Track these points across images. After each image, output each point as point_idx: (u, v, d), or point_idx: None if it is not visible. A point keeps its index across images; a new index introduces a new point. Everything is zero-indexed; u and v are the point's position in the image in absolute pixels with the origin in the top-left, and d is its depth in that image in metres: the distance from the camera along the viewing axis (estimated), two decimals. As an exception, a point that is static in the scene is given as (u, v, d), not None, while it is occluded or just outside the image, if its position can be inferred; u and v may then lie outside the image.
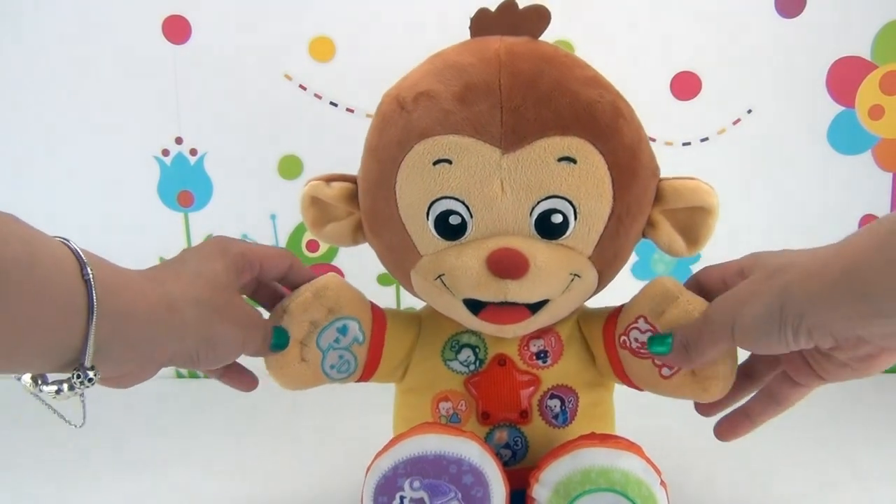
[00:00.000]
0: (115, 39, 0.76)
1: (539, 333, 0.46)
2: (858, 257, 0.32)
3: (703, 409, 0.46)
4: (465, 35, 0.45)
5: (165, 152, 0.79)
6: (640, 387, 0.46)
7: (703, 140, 0.78)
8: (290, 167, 0.79)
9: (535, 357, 0.46)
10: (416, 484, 0.38)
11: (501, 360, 0.46)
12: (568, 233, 0.40)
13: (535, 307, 0.41)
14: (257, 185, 0.79)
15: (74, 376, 0.30)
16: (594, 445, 0.40)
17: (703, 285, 0.44)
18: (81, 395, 0.32)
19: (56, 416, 0.34)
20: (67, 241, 0.31)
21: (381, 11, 0.75)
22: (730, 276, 0.41)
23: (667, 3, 0.75)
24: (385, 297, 0.77)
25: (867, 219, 0.79)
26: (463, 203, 0.40)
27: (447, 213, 0.40)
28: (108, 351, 0.31)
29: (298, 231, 0.80)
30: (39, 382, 0.31)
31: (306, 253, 0.81)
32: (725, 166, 0.78)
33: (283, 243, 0.81)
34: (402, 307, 0.79)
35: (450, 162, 0.39)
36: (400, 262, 0.44)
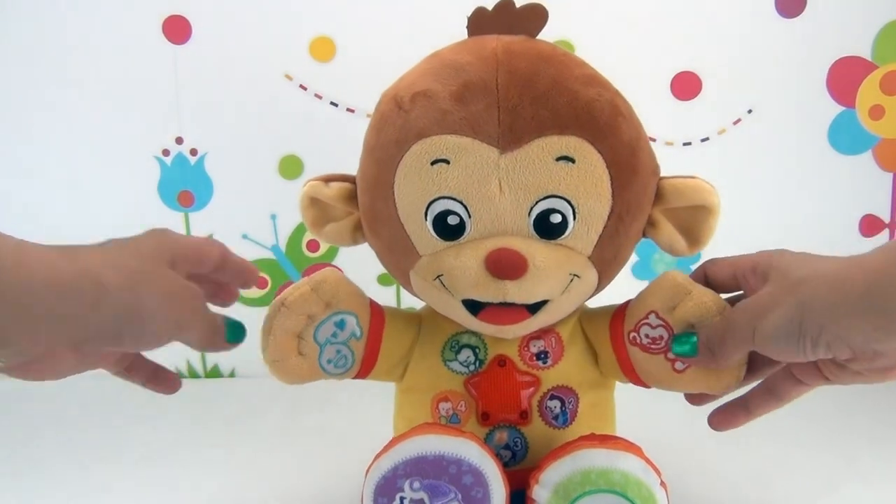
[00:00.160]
0: (115, 39, 0.76)
1: (539, 334, 0.46)
2: (880, 272, 0.33)
3: (694, 399, 0.46)
4: (466, 35, 0.45)
5: (166, 152, 0.79)
6: (649, 384, 0.46)
7: (703, 140, 0.78)
8: (290, 167, 0.79)
9: (535, 358, 0.46)
10: (416, 484, 0.38)
11: (501, 361, 0.46)
12: (567, 233, 0.40)
13: (534, 308, 0.41)
14: (258, 186, 0.79)
15: None
16: (594, 446, 0.40)
17: (711, 278, 0.44)
18: None
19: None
20: None
21: (382, 12, 0.75)
22: (741, 272, 0.41)
23: (667, 3, 0.75)
24: (385, 298, 0.77)
25: (867, 219, 0.79)
26: (461, 203, 0.40)
27: (445, 213, 0.40)
28: (6, 331, 0.28)
29: (299, 231, 0.80)
30: None
31: (307, 253, 0.81)
32: (726, 166, 0.78)
33: (283, 243, 0.81)
34: (403, 307, 0.79)
35: (448, 162, 0.39)
36: (399, 262, 0.44)
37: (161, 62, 0.76)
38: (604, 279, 0.44)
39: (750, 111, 0.77)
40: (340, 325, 0.45)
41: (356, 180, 0.45)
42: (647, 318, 0.44)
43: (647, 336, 0.44)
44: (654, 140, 0.48)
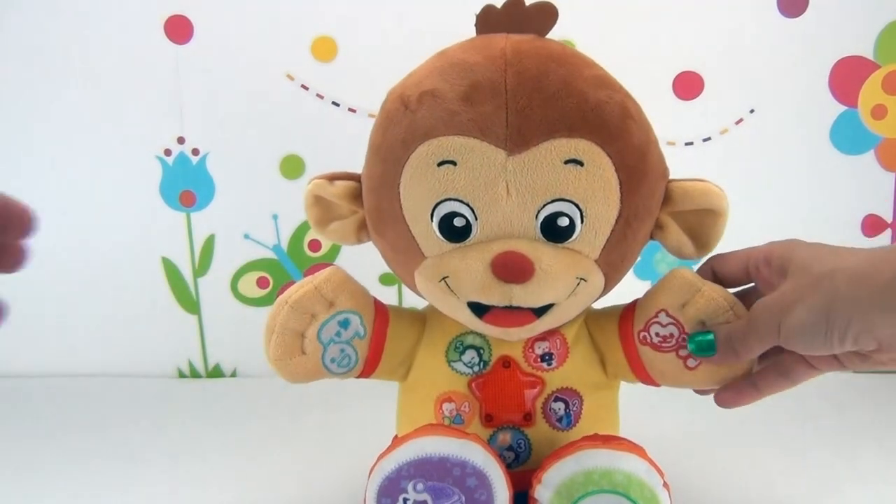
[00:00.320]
0: (116, 39, 0.76)
1: (544, 336, 0.46)
2: None
3: (702, 390, 0.46)
4: (469, 36, 0.45)
5: (167, 152, 0.78)
6: (659, 382, 0.46)
7: (705, 140, 0.78)
8: (292, 167, 0.79)
9: (539, 359, 0.46)
10: (420, 486, 0.38)
11: (506, 362, 0.45)
12: (574, 236, 0.40)
13: (540, 311, 0.41)
14: (259, 185, 0.79)
15: None
16: (597, 447, 0.40)
17: (719, 273, 0.44)
18: None
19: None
20: None
21: (384, 11, 0.75)
22: (754, 264, 0.41)
23: (669, 3, 0.75)
24: (387, 298, 0.77)
25: (869, 219, 0.79)
26: (468, 205, 0.40)
27: (452, 215, 0.40)
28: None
29: (301, 231, 0.80)
30: None
31: (309, 252, 0.81)
32: (728, 166, 0.78)
33: (285, 243, 0.81)
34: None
35: (454, 163, 0.39)
36: (404, 262, 0.44)
37: (163, 62, 0.76)
38: (610, 282, 0.43)
39: (752, 111, 0.77)
40: (344, 324, 0.45)
41: (361, 179, 0.45)
42: (657, 316, 0.43)
43: (657, 335, 0.44)
44: (656, 140, 0.48)
